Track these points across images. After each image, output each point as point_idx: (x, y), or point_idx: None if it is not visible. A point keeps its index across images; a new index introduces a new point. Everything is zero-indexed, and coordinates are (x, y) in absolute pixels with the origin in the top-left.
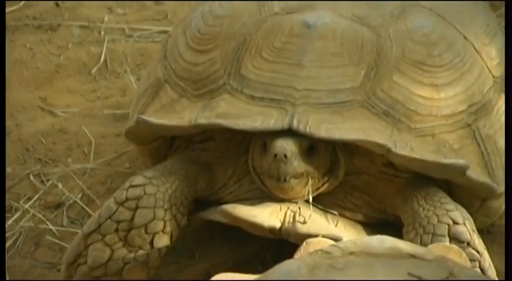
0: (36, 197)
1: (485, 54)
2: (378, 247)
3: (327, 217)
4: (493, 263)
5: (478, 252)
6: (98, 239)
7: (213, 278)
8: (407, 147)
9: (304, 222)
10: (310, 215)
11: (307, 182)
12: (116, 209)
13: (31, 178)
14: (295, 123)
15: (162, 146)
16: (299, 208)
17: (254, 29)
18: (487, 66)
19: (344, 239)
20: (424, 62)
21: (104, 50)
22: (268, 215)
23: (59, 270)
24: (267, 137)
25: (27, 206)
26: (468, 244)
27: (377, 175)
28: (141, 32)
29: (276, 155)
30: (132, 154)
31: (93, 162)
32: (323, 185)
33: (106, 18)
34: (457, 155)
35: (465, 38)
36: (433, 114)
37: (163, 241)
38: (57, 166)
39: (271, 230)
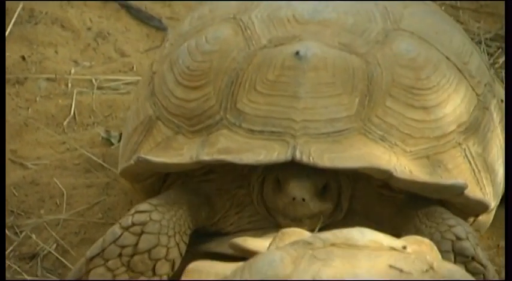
0: (10, 248)
1: (467, 73)
2: (359, 239)
3: None
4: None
5: (482, 265)
6: (101, 264)
7: (189, 266)
8: (406, 170)
9: None
10: None
11: (319, 219)
12: (121, 234)
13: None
14: (298, 155)
15: (156, 182)
16: None
17: (245, 64)
18: (470, 84)
19: None
20: (413, 86)
21: (74, 102)
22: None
23: None
24: (281, 175)
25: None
26: (473, 258)
27: (374, 197)
28: (108, 83)
29: (294, 198)
30: (104, 205)
31: (65, 213)
32: (330, 217)
33: (73, 71)
34: (451, 174)
35: (447, 58)
36: (426, 136)
37: (165, 268)
38: (30, 218)
39: None
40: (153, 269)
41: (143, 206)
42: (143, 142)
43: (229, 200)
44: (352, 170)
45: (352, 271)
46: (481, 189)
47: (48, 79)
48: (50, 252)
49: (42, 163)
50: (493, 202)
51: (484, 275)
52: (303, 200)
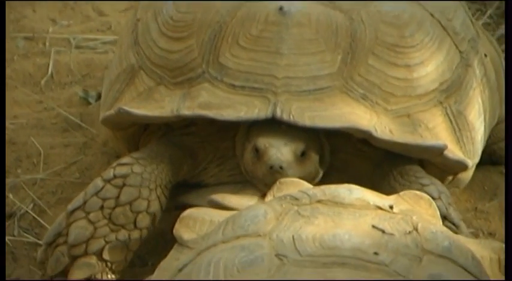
0: None
1: (451, 29)
2: (345, 197)
3: None
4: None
5: (454, 224)
6: (82, 217)
7: (184, 213)
8: (386, 130)
9: None
10: None
11: None
12: (103, 187)
13: None
14: (278, 112)
15: (137, 130)
16: None
17: (229, 17)
18: (453, 42)
19: None
20: (397, 44)
21: (51, 61)
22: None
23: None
24: (259, 144)
25: None
26: (445, 217)
27: (353, 153)
28: (86, 42)
29: (271, 167)
30: (81, 164)
31: (42, 172)
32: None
33: (50, 30)
34: (431, 133)
35: (432, 15)
36: (408, 95)
37: (145, 221)
38: (8, 177)
39: None
40: (134, 222)
41: (125, 159)
42: (125, 90)
43: (212, 153)
44: (333, 129)
45: (333, 230)
46: (461, 148)
47: (26, 38)
48: (26, 212)
49: (19, 122)
50: (473, 160)
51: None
52: (281, 168)
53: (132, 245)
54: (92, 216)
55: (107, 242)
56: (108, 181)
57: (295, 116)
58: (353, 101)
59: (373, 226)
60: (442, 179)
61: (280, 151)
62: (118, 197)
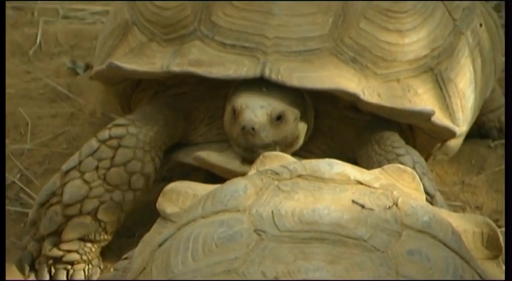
0: None
1: None
2: (326, 171)
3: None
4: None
5: (429, 194)
6: (77, 177)
7: (168, 187)
8: (374, 94)
9: None
10: None
11: (274, 150)
12: (98, 147)
13: None
14: (267, 72)
15: (128, 86)
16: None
17: None
18: (447, 9)
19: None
20: (389, 9)
21: (40, 31)
22: (240, 163)
23: None
24: (237, 105)
25: None
26: None
27: (339, 119)
28: (75, 13)
29: (244, 128)
30: (69, 135)
31: (30, 143)
32: (290, 147)
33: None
34: (420, 99)
35: None
36: (398, 60)
37: (140, 182)
38: None
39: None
40: (129, 183)
41: (121, 120)
42: (118, 46)
43: (204, 112)
44: (320, 91)
45: (313, 205)
46: (450, 115)
47: (14, 7)
48: (14, 182)
49: (7, 92)
50: (463, 128)
51: (431, 204)
52: (253, 129)
53: (126, 206)
54: (87, 176)
55: (101, 203)
56: (103, 141)
57: (283, 76)
58: (342, 64)
59: (353, 201)
60: (431, 146)
61: (255, 112)
62: (113, 157)
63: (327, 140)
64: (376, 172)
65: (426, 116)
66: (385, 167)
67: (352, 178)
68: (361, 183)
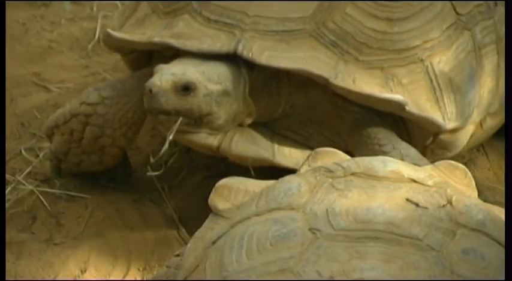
0: (28, 170)
1: None
2: (379, 169)
3: (272, 139)
4: None
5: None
6: (58, 134)
7: (220, 182)
8: (349, 79)
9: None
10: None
11: (177, 119)
12: (70, 119)
13: (22, 152)
14: (240, 49)
15: (140, 57)
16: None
17: None
18: (451, 3)
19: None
20: None
21: (99, 26)
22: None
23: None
24: (159, 66)
25: (20, 178)
26: None
27: (330, 110)
28: None
29: (145, 87)
30: None
31: None
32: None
33: None
34: (404, 89)
35: None
36: (384, 48)
37: (113, 151)
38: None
39: (210, 147)
40: (102, 150)
41: (92, 97)
42: (130, 16)
43: None
44: (285, 70)
45: (367, 203)
46: (440, 108)
47: (73, 2)
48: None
49: (66, 87)
50: (456, 122)
51: None
52: (150, 91)
53: (107, 164)
54: (64, 138)
55: (81, 161)
56: (74, 115)
57: (254, 54)
58: (321, 46)
59: (407, 199)
60: (423, 139)
61: (161, 77)
62: (83, 131)
63: (316, 127)
64: (428, 168)
65: (398, 105)
66: (437, 163)
67: (406, 175)
68: (414, 181)
